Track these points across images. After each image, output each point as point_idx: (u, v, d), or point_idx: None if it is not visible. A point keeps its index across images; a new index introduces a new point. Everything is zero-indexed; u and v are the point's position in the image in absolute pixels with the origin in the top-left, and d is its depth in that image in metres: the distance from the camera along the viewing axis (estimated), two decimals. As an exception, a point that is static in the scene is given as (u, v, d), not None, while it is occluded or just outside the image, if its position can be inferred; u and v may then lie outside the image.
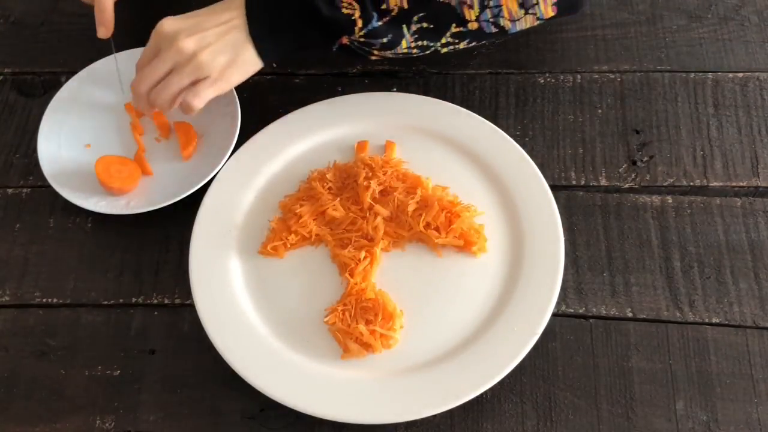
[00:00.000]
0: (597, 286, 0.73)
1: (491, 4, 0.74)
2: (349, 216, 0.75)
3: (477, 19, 0.75)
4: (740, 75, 0.85)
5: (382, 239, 0.73)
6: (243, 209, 0.77)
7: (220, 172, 0.78)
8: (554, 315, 0.70)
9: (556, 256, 0.71)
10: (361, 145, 0.80)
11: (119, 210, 0.76)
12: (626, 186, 0.79)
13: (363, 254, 0.72)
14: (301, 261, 0.74)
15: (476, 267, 0.73)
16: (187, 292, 0.73)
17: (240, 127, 0.80)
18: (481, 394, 0.66)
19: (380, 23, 0.73)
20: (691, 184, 0.78)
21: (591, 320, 0.71)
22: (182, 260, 0.76)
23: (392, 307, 0.70)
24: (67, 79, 0.86)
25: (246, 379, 0.67)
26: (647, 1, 0.91)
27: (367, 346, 0.68)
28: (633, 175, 0.79)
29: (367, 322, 0.69)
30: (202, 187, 0.77)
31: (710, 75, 0.85)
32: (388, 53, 0.77)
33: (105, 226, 0.79)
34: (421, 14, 0.73)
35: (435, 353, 0.69)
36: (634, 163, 0.80)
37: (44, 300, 0.75)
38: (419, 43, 0.76)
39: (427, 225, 0.73)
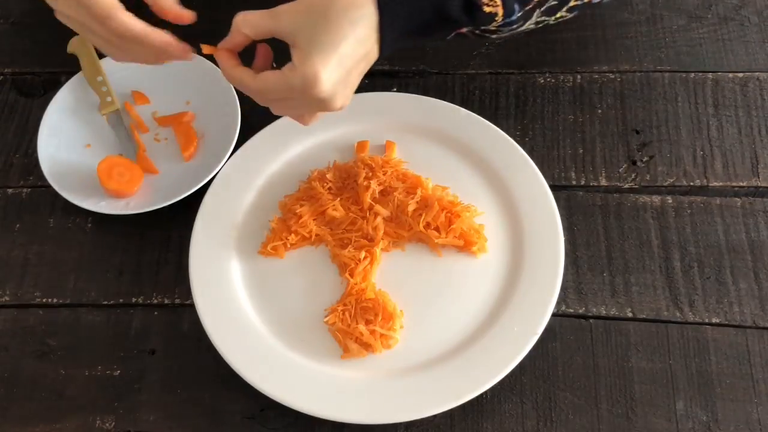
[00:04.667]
0: (597, 286, 0.73)
1: None
2: (349, 216, 0.75)
3: None
4: (740, 75, 0.85)
5: (382, 239, 0.73)
6: (243, 209, 0.77)
7: (220, 172, 0.78)
8: (554, 315, 0.70)
9: (556, 256, 0.71)
10: (361, 145, 0.80)
11: (119, 210, 0.76)
12: (626, 186, 0.78)
13: (363, 254, 0.72)
14: (301, 261, 0.74)
15: (476, 267, 0.73)
16: (187, 292, 0.73)
17: (240, 127, 0.80)
18: (481, 394, 0.66)
19: (520, 13, 0.68)
20: (691, 184, 0.78)
21: (591, 320, 0.71)
22: (182, 260, 0.76)
23: (392, 307, 0.70)
24: (67, 79, 0.86)
25: (246, 379, 0.67)
26: (647, 1, 0.91)
27: (367, 346, 0.68)
28: (633, 175, 0.79)
29: (367, 322, 0.69)
30: (202, 187, 0.77)
31: (710, 75, 0.85)
32: (506, 34, 0.72)
33: (105, 226, 0.79)
34: None
35: (435, 353, 0.69)
36: (634, 163, 0.80)
37: (44, 300, 0.75)
38: (538, 19, 0.71)
39: (427, 225, 0.73)
